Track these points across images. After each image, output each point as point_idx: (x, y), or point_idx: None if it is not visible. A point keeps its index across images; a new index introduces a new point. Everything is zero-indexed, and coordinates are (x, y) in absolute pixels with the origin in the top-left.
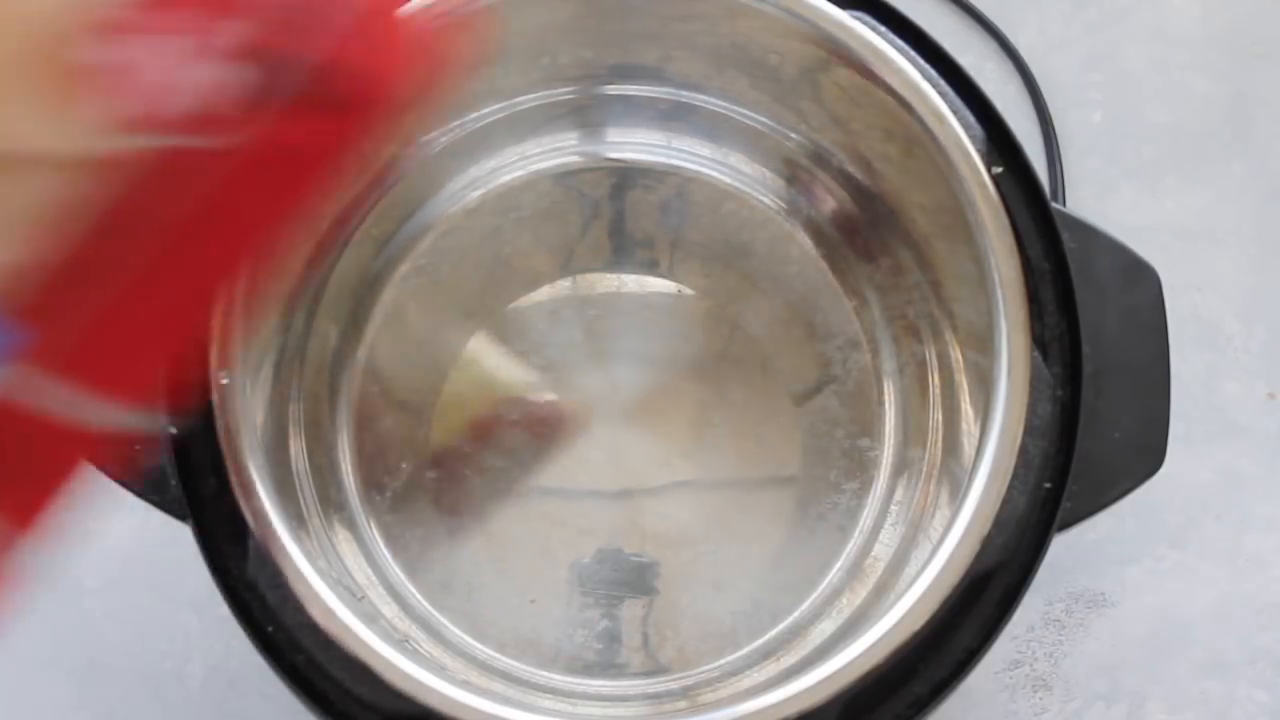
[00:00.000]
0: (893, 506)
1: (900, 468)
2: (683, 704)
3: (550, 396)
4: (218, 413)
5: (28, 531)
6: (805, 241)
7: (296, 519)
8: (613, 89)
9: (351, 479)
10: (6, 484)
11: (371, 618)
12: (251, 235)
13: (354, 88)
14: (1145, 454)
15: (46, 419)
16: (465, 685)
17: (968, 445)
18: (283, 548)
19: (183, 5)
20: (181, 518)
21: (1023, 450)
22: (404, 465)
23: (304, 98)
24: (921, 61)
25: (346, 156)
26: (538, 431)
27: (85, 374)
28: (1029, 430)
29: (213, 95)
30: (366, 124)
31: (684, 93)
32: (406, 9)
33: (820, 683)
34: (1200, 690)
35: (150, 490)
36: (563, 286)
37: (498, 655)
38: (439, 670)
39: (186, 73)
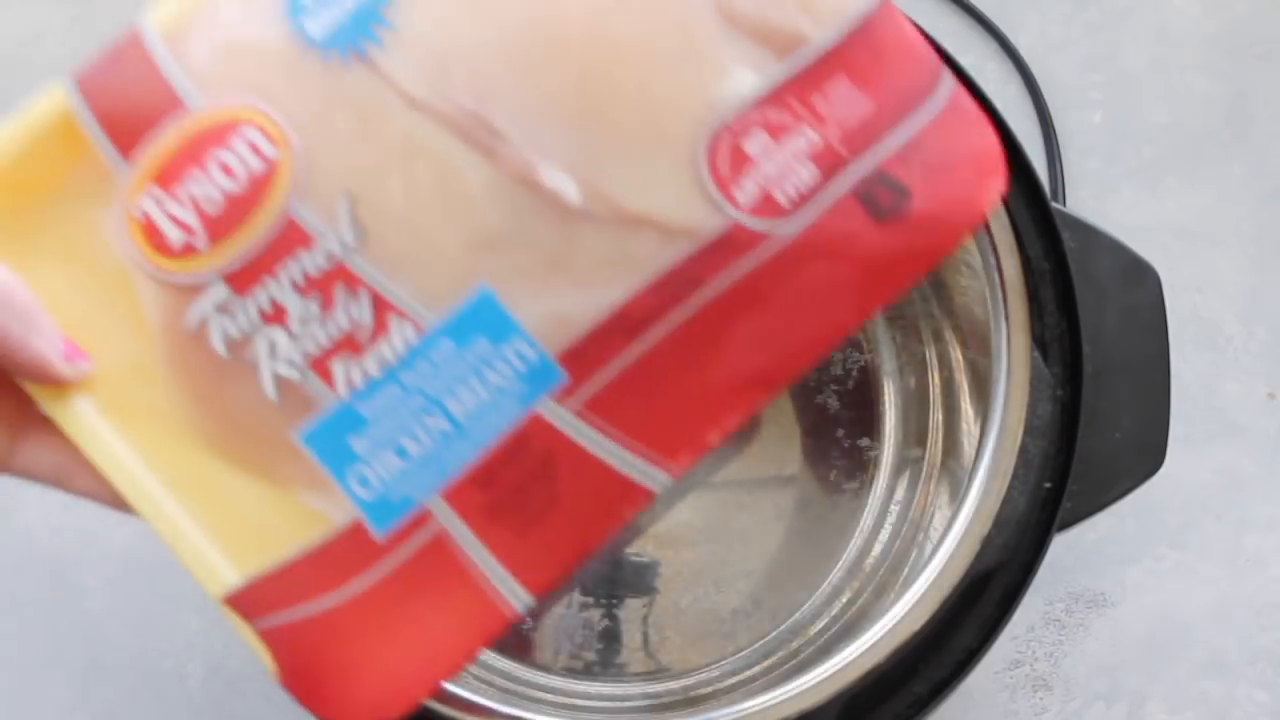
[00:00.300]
0: (893, 506)
1: (900, 468)
2: (683, 704)
3: None
4: None
5: (580, 555)
6: None
7: None
8: None
9: None
10: (566, 513)
11: None
12: (791, 335)
13: (934, 218)
14: (1145, 454)
15: (599, 463)
16: (466, 685)
17: (968, 445)
18: None
19: (799, 115)
20: None
21: (1023, 450)
22: None
23: (884, 214)
24: None
25: (900, 282)
26: None
27: (616, 423)
28: (1029, 430)
29: (806, 191)
30: (927, 258)
31: None
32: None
33: (820, 682)
34: (1200, 690)
35: None
36: None
37: (498, 655)
38: None
39: (794, 168)
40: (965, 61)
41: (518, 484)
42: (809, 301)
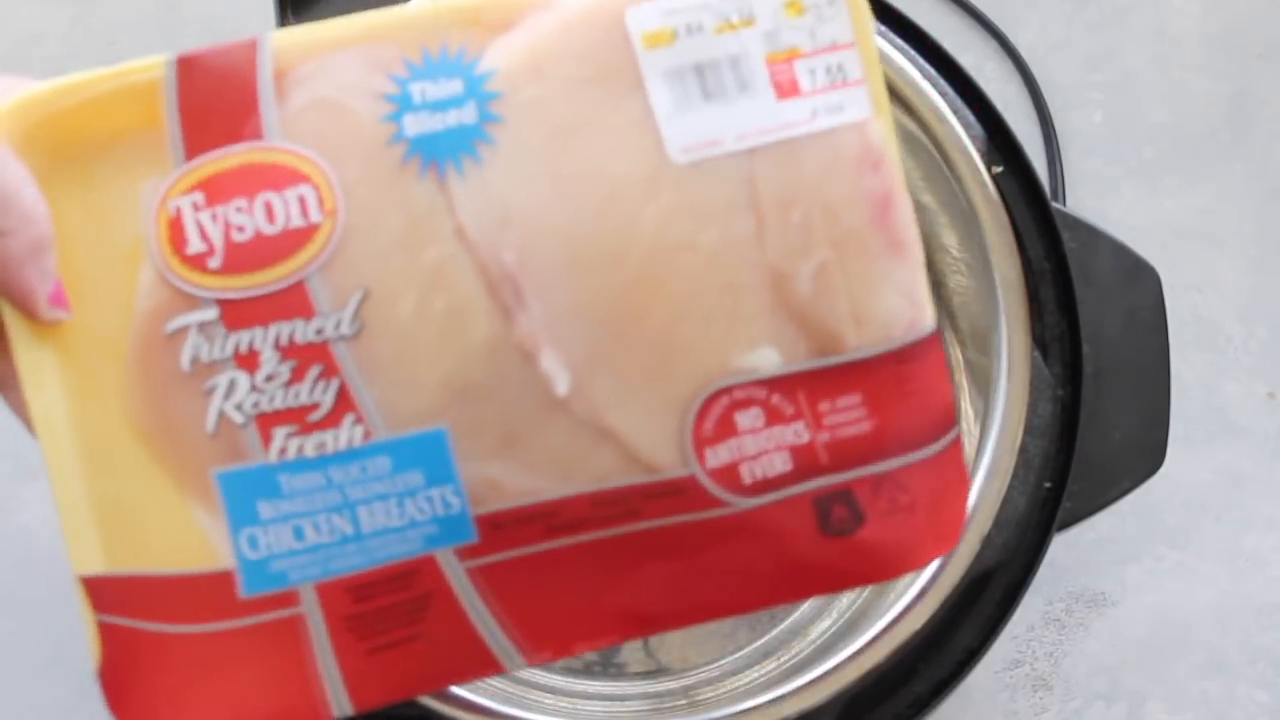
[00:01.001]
0: None
1: None
2: (683, 703)
3: None
4: None
5: (414, 693)
6: None
7: None
8: None
9: None
10: (418, 654)
11: None
12: (693, 594)
13: (872, 552)
14: (1145, 454)
15: (468, 625)
16: (465, 684)
17: (968, 445)
18: None
19: (800, 410)
20: None
21: (1023, 450)
22: None
23: (830, 529)
24: (922, 61)
25: (814, 591)
26: None
27: (501, 598)
28: (1029, 430)
29: (773, 479)
30: (847, 582)
31: None
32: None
33: (821, 682)
34: (1200, 690)
35: None
36: None
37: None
38: None
39: (770, 455)
40: (965, 61)
41: (388, 610)
42: (723, 573)
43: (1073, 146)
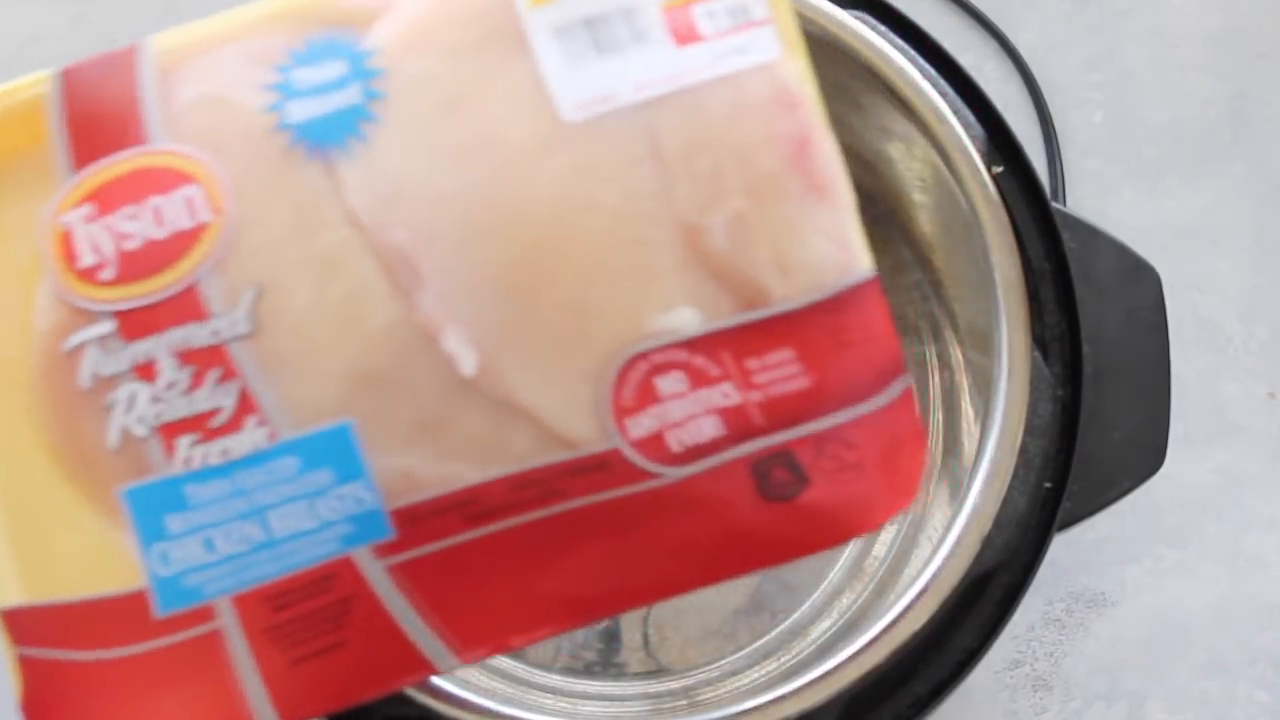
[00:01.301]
0: None
1: None
2: (683, 703)
3: None
4: None
5: (344, 703)
6: None
7: None
8: None
9: None
10: (345, 661)
11: None
12: (631, 575)
13: (822, 515)
14: (1145, 454)
15: (394, 626)
16: (465, 685)
17: (968, 445)
18: None
19: (727, 371)
20: None
21: (1023, 450)
22: None
23: (772, 493)
24: (922, 61)
25: (761, 563)
26: None
27: (425, 595)
28: (1029, 430)
29: (703, 444)
30: (797, 549)
31: None
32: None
33: (820, 682)
34: (1200, 690)
35: None
36: None
37: (498, 655)
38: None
39: (698, 420)
40: (965, 61)
41: (308, 617)
42: (661, 551)
43: (1073, 146)
